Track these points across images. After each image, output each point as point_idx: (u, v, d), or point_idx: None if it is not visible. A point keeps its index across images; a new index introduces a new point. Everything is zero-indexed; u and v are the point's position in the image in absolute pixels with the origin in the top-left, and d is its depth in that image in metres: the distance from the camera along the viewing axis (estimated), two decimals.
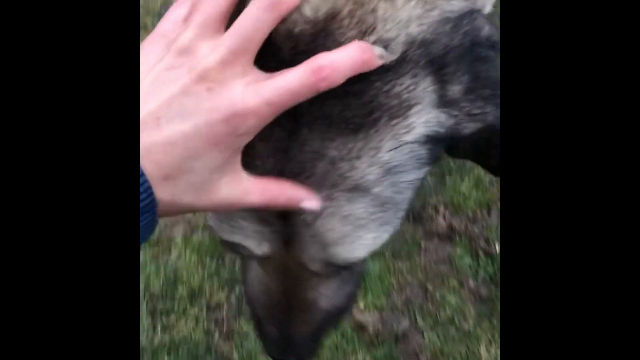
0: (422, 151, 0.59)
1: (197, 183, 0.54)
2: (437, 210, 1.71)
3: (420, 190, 0.69)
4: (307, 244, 0.63)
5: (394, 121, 0.57)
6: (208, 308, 1.61)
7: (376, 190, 0.59)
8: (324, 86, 0.53)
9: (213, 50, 0.54)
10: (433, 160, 0.61)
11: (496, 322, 1.54)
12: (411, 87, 0.56)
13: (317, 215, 0.60)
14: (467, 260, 1.62)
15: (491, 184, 1.74)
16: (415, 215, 1.69)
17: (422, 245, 1.66)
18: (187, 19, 0.56)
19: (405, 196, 0.62)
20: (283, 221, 0.62)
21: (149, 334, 1.57)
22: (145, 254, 1.70)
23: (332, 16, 0.54)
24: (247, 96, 0.53)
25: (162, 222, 1.83)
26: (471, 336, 1.52)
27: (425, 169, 0.62)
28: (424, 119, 0.58)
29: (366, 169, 0.58)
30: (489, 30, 0.58)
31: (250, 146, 0.57)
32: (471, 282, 1.59)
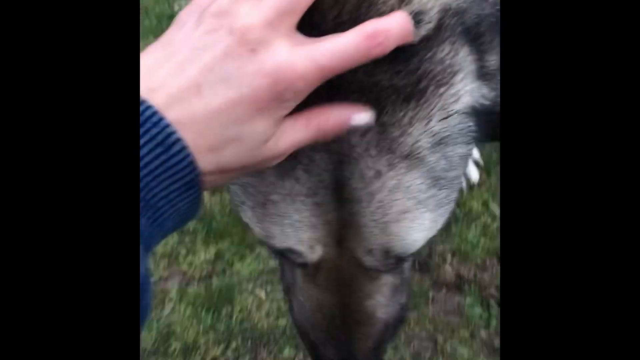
0: (470, 123, 0.59)
1: (243, 150, 0.50)
2: (444, 259, 1.64)
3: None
4: (366, 227, 0.60)
5: (442, 89, 0.57)
6: None
7: (430, 160, 0.58)
8: (377, 52, 0.51)
9: (255, 9, 0.50)
10: (478, 137, 0.60)
11: None
12: (452, 54, 0.56)
13: (380, 183, 0.58)
14: (478, 309, 1.54)
15: (499, 232, 1.68)
16: (422, 264, 1.62)
17: (430, 296, 1.58)
18: None
19: (455, 173, 0.61)
20: (339, 201, 0.59)
21: None
22: None
23: None
24: (295, 59, 0.49)
25: (156, 275, 1.76)
26: None
27: (472, 146, 0.61)
28: (468, 87, 0.58)
29: (418, 137, 0.57)
30: None
31: None
32: (483, 333, 1.51)
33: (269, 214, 0.62)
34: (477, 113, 0.59)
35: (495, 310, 1.54)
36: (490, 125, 0.59)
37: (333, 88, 0.54)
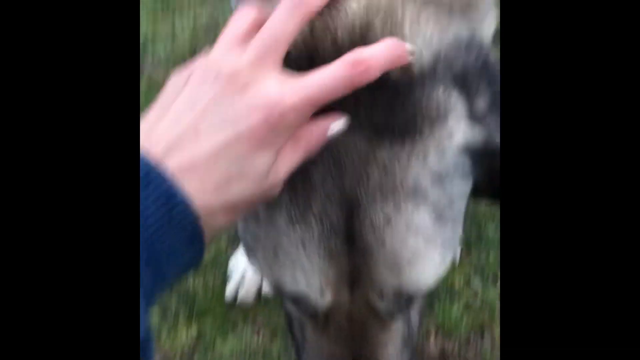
0: (465, 160, 0.62)
1: (248, 185, 0.53)
2: (427, 336, 1.63)
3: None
4: (378, 270, 0.61)
5: (436, 127, 0.60)
6: None
7: (433, 196, 0.60)
8: (361, 80, 0.53)
9: (240, 55, 0.54)
10: (473, 175, 0.63)
11: None
12: (445, 96, 0.60)
13: (390, 229, 0.59)
14: None
15: (482, 308, 1.69)
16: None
17: None
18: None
19: (457, 208, 0.63)
20: (351, 249, 0.61)
21: None
22: None
23: (368, 26, 0.60)
24: (284, 91, 0.53)
25: None
26: None
27: (469, 182, 0.64)
28: (461, 127, 0.61)
29: (418, 174, 0.60)
30: (494, 56, 0.64)
31: (305, 172, 0.58)
32: None
33: (280, 259, 0.63)
34: (470, 152, 0.62)
35: None
36: (482, 167, 0.63)
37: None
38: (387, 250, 0.60)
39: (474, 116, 0.62)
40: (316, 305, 0.65)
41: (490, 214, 1.73)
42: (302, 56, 0.59)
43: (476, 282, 1.75)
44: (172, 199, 0.48)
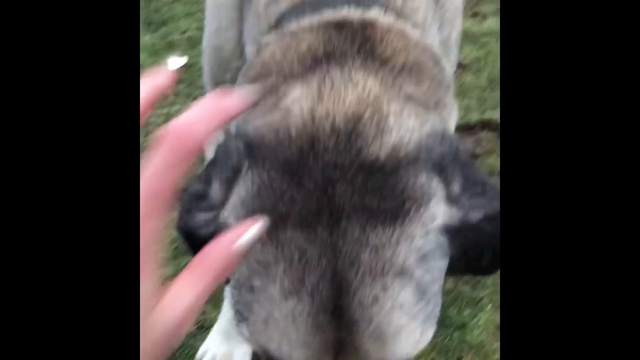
0: (445, 239, 0.68)
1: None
2: None
3: None
4: (363, 346, 0.65)
5: (421, 210, 0.66)
6: None
7: (417, 275, 0.65)
8: (188, 151, 0.49)
9: None
10: (451, 253, 0.69)
11: None
12: (428, 182, 0.67)
13: (377, 307, 0.63)
14: None
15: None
16: None
17: None
18: None
19: (438, 285, 0.68)
20: (338, 324, 0.64)
21: None
22: None
23: (358, 118, 0.67)
24: None
25: None
26: None
27: (447, 260, 0.69)
28: (441, 209, 0.67)
29: (405, 255, 0.64)
30: (462, 143, 0.72)
31: (301, 252, 0.63)
32: None
33: (270, 330, 0.66)
34: (450, 231, 0.68)
35: None
36: (457, 244, 0.69)
37: (331, 213, 0.63)
38: (372, 325, 0.64)
39: (451, 199, 0.68)
40: None
41: (453, 296, 1.72)
42: (304, 137, 0.65)
43: None
44: None
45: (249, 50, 0.90)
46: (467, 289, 1.74)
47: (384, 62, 0.73)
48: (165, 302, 0.47)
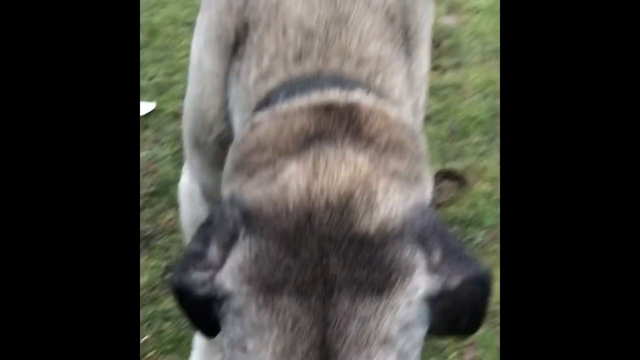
0: (425, 308, 0.74)
1: None
2: None
3: None
4: None
5: (405, 282, 0.72)
6: None
7: (399, 343, 0.71)
8: None
9: None
10: (431, 320, 0.75)
11: None
12: (411, 254, 0.73)
13: None
14: None
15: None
16: None
17: None
18: None
19: (417, 351, 0.74)
20: None
21: None
22: None
23: (350, 195, 0.74)
24: None
25: None
26: None
27: (427, 327, 0.76)
28: (423, 280, 0.74)
29: (390, 324, 0.70)
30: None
31: (294, 320, 0.68)
32: None
33: None
34: (431, 299, 0.74)
35: None
36: (437, 309, 0.75)
37: (324, 286, 0.68)
38: None
39: (431, 268, 0.74)
40: None
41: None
42: (301, 211, 0.72)
43: None
44: None
45: (237, 119, 0.95)
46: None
47: (370, 140, 0.81)
48: None
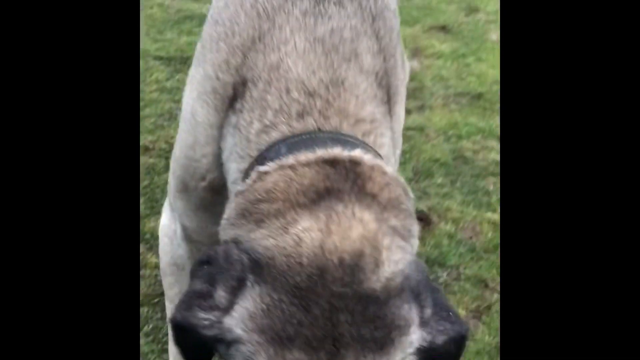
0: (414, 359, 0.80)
1: None
2: None
3: None
4: None
5: (403, 338, 0.78)
6: None
7: None
8: None
9: None
10: None
11: None
12: (408, 310, 0.79)
13: None
14: None
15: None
16: None
17: None
18: None
19: None
20: None
21: None
22: None
23: (361, 253, 0.79)
24: None
25: None
26: None
27: None
28: (417, 335, 0.80)
29: None
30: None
31: None
32: None
33: None
34: (420, 352, 0.80)
35: None
36: None
37: (333, 341, 0.73)
38: None
39: (422, 322, 0.80)
40: None
41: None
42: (314, 266, 0.76)
43: None
44: None
45: (233, 166, 0.99)
46: None
47: (373, 197, 0.87)
48: None
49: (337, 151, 0.89)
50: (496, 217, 2.35)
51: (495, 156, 2.71)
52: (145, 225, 2.15)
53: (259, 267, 0.78)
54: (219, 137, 1.03)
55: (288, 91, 0.95)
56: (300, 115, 0.94)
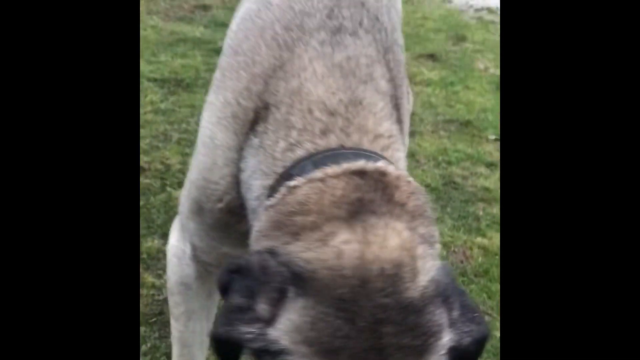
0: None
1: None
2: None
3: None
4: None
5: (438, 343, 0.82)
6: None
7: None
8: None
9: None
10: None
11: None
12: (440, 314, 0.83)
13: None
14: None
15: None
16: None
17: None
18: None
19: None
20: None
21: None
22: None
23: (400, 263, 0.83)
24: None
25: None
26: None
27: None
28: (447, 337, 0.84)
29: None
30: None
31: None
32: None
33: None
34: (450, 352, 0.84)
35: None
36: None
37: (379, 351, 0.77)
38: None
39: (451, 324, 0.84)
40: None
41: None
42: (356, 277, 0.79)
43: None
44: None
45: (256, 183, 1.04)
46: None
47: (402, 206, 0.91)
48: None
49: (362, 163, 0.94)
50: (486, 241, 2.40)
51: (484, 182, 2.77)
52: (142, 245, 2.17)
53: (301, 280, 0.81)
54: (238, 159, 1.08)
55: (311, 111, 1.01)
56: (324, 132, 0.99)
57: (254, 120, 1.06)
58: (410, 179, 0.98)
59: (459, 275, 2.26)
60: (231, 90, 1.10)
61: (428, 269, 0.85)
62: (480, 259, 2.32)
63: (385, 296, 0.80)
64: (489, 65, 4.10)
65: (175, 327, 1.39)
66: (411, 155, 2.94)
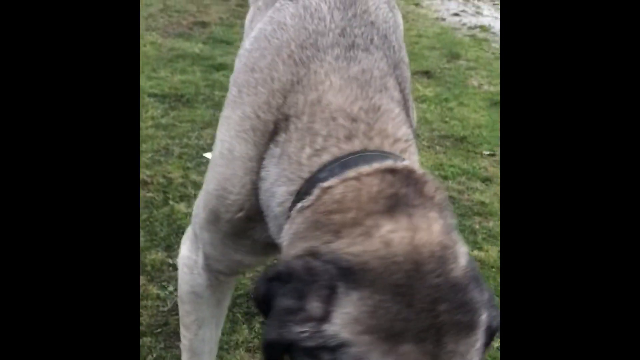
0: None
1: None
2: None
3: None
4: None
5: (481, 318, 0.90)
6: None
7: None
8: None
9: None
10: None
11: None
12: (480, 295, 0.90)
13: None
14: None
15: None
16: None
17: None
18: None
19: None
20: None
21: None
22: None
23: (445, 245, 0.90)
24: None
25: None
26: None
27: None
28: (485, 315, 0.91)
29: (473, 355, 0.88)
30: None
31: (410, 354, 0.82)
32: None
33: None
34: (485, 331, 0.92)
35: None
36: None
37: (437, 330, 0.83)
38: None
39: (488, 304, 0.91)
40: None
41: None
42: (409, 262, 0.85)
43: None
44: None
45: (281, 189, 1.09)
46: None
47: (432, 199, 0.97)
48: None
49: (391, 162, 1.00)
50: (482, 254, 2.44)
51: (480, 197, 2.82)
52: (146, 257, 2.21)
53: (351, 274, 0.85)
54: (258, 168, 1.13)
55: (334, 119, 1.07)
56: (348, 138, 1.05)
57: (273, 131, 1.11)
58: (431, 176, 1.04)
59: None
60: (249, 105, 1.16)
61: (463, 253, 0.92)
62: None
63: (437, 276, 0.86)
64: (483, 82, 4.18)
65: (185, 336, 1.42)
66: None
